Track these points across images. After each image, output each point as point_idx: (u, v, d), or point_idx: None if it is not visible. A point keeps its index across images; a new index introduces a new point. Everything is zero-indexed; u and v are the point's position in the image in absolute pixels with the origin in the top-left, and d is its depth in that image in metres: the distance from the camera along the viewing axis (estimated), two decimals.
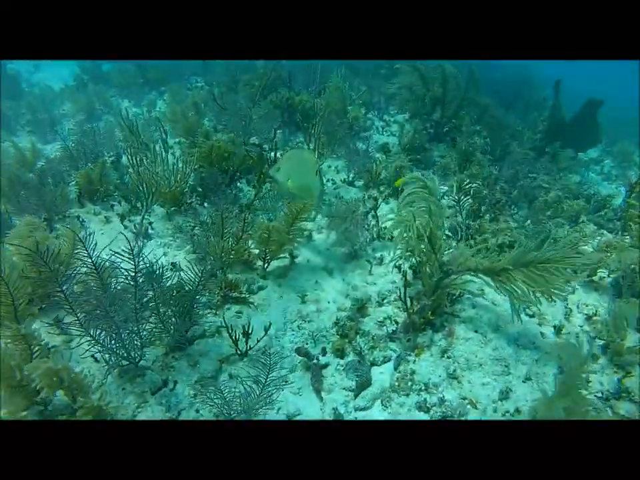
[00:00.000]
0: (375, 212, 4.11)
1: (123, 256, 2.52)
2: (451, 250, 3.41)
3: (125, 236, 3.11)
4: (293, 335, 3.14)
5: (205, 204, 4.47)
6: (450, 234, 4.28)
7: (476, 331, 3.20)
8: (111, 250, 2.72)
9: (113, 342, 2.56)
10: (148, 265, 2.63)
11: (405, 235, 3.09)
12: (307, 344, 3.08)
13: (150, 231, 4.05)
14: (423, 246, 3.12)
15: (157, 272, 2.69)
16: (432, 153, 6.32)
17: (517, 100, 11.43)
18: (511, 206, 5.39)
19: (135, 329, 2.59)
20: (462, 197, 4.89)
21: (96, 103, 7.92)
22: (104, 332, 2.52)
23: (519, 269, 3.10)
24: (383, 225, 4.18)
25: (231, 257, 3.53)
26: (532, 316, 3.49)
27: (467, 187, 4.92)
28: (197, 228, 3.90)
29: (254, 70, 7.78)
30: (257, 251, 3.64)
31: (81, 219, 4.16)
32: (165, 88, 8.69)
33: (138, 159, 3.95)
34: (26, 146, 5.57)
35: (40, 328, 2.75)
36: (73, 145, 5.38)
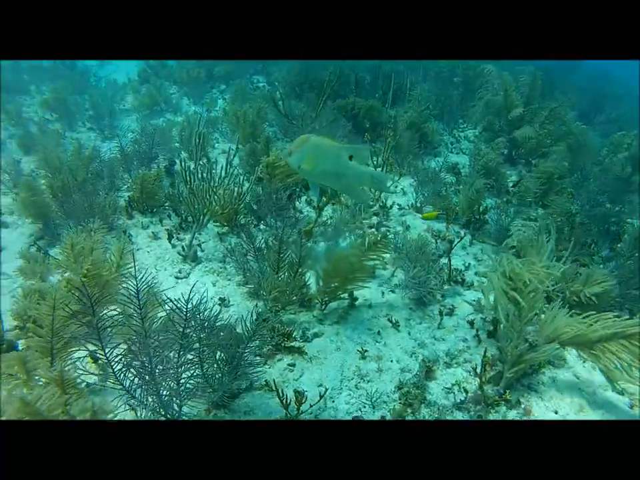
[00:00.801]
0: (449, 256, 3.66)
1: (175, 305, 2.22)
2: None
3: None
4: (350, 395, 2.77)
5: (261, 225, 4.17)
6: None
7: (556, 412, 2.74)
8: (165, 295, 2.45)
9: (150, 399, 2.29)
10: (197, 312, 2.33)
11: (493, 289, 2.70)
12: (364, 407, 2.72)
13: (199, 253, 3.78)
14: (507, 307, 2.71)
15: (207, 319, 2.38)
16: (505, 176, 5.76)
17: (597, 114, 10.55)
18: (590, 245, 4.79)
19: (175, 387, 2.30)
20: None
21: (157, 99, 7.79)
22: (141, 388, 2.26)
23: (618, 341, 2.67)
24: (455, 267, 3.74)
25: (287, 295, 3.21)
26: (621, 393, 3.00)
27: (550, 223, 4.37)
28: (249, 254, 3.60)
29: (320, 69, 7.36)
30: (314, 288, 3.30)
31: (127, 233, 3.94)
32: (226, 86, 8.47)
33: (193, 171, 3.68)
34: (86, 144, 5.48)
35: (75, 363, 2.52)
36: (129, 145, 5.22)
